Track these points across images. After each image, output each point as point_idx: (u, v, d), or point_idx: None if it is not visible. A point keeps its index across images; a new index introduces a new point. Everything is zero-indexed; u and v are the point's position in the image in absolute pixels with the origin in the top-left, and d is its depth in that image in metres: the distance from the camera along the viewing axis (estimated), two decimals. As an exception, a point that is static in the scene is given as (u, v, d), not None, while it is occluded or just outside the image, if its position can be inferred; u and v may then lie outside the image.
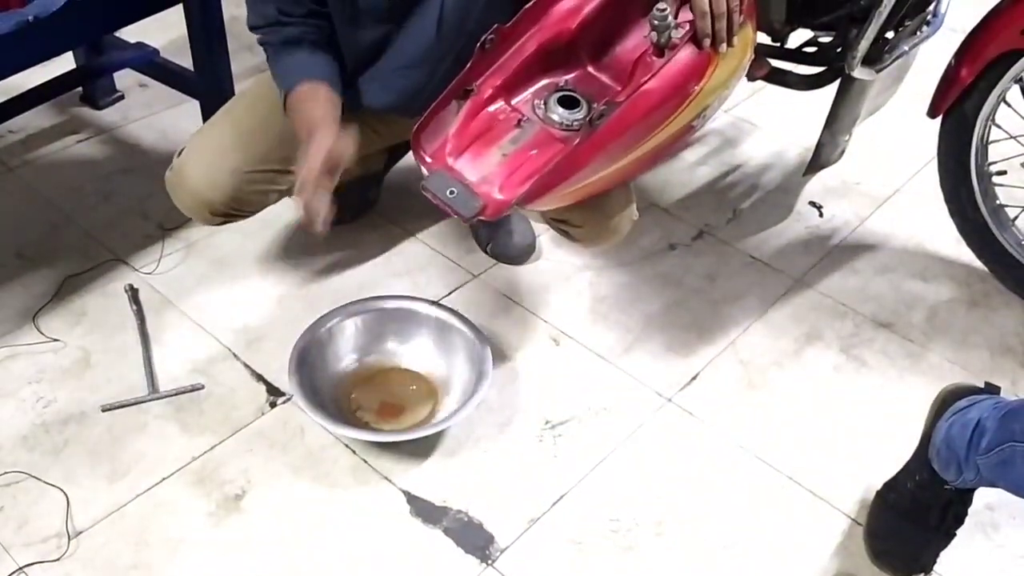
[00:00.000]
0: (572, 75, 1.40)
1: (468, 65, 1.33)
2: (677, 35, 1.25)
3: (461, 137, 1.32)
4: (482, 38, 1.31)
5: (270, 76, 1.55)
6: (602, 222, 1.54)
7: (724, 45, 1.26)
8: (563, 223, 1.58)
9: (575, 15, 1.36)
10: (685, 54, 1.25)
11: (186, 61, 1.98)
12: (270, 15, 1.48)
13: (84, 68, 2.12)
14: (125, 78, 2.31)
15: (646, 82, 1.24)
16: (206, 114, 1.96)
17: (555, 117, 1.34)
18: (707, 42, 1.25)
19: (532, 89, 1.38)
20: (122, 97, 2.31)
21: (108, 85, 2.28)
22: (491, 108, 1.35)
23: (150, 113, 2.28)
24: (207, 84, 1.94)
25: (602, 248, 1.70)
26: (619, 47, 1.41)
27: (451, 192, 1.27)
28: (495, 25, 1.32)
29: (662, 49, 1.27)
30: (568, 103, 1.35)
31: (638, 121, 1.26)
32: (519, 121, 1.34)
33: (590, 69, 1.41)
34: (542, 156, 1.31)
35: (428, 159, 1.33)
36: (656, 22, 1.24)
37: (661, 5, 1.24)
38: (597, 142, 1.25)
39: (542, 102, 1.36)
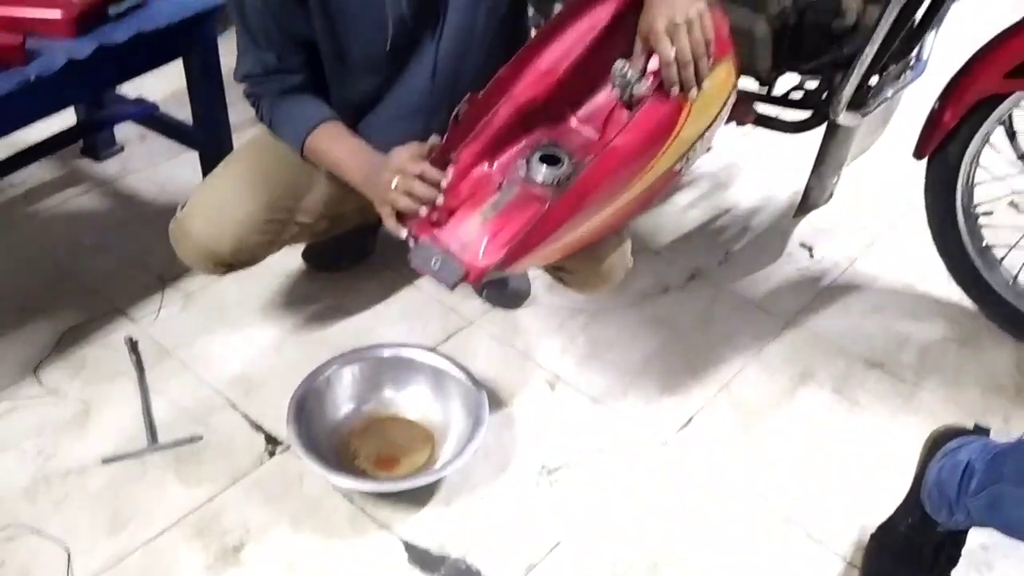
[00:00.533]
0: (555, 131, 1.41)
1: (444, 137, 1.36)
2: (641, 88, 1.26)
3: (444, 206, 1.34)
4: (455, 110, 1.34)
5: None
6: (595, 268, 1.55)
7: (694, 91, 1.26)
8: (558, 269, 1.59)
9: (550, 76, 1.37)
10: (653, 106, 1.26)
11: (185, 111, 2.02)
12: (270, 64, 1.49)
13: (85, 122, 2.16)
14: (126, 129, 2.34)
15: (614, 139, 1.25)
16: (205, 165, 2.00)
17: (538, 176, 1.35)
18: (675, 90, 1.25)
19: (514, 149, 1.39)
20: (122, 149, 2.35)
21: (108, 137, 2.32)
22: (473, 174, 1.37)
23: (150, 164, 2.31)
24: (206, 136, 1.98)
25: (597, 293, 1.72)
26: (598, 98, 1.42)
27: (435, 262, 1.30)
28: (468, 94, 1.34)
29: (630, 103, 1.28)
30: (551, 160, 1.37)
31: (609, 177, 1.27)
32: (499, 184, 1.36)
33: (571, 122, 1.43)
34: (521, 218, 1.32)
35: (413, 231, 1.35)
36: (617, 79, 1.26)
37: (620, 62, 1.25)
38: (569, 202, 1.26)
39: (525, 161, 1.37)
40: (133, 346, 1.78)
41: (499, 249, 1.31)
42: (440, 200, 1.33)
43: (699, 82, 1.26)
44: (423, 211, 1.33)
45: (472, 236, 1.33)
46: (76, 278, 1.95)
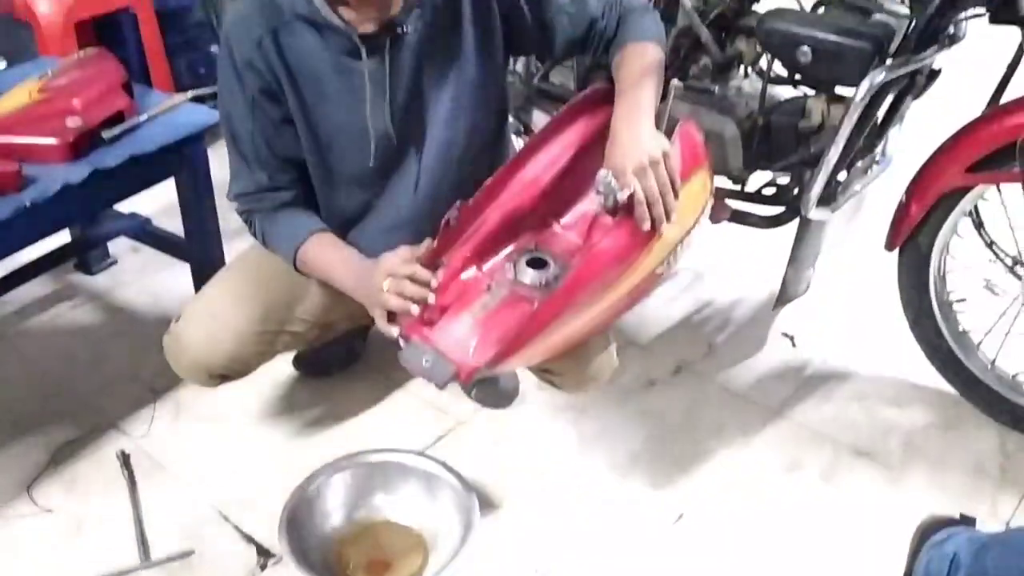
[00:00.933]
0: (541, 236, 1.47)
1: (435, 241, 1.41)
2: (624, 195, 1.31)
3: (434, 307, 1.38)
4: (446, 216, 1.39)
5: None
6: (582, 369, 1.58)
7: (664, 225, 1.32)
8: (546, 371, 1.62)
9: (536, 184, 1.44)
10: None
11: (177, 222, 2.07)
12: (262, 182, 1.54)
13: (79, 240, 2.21)
14: (118, 242, 2.39)
15: (598, 243, 1.31)
16: (197, 277, 2.04)
17: (525, 279, 1.41)
18: (646, 225, 1.31)
19: (503, 254, 1.45)
20: (115, 262, 2.40)
21: (101, 251, 2.36)
22: (463, 276, 1.42)
23: (142, 276, 2.36)
24: (198, 249, 2.03)
25: (585, 393, 1.76)
26: (582, 205, 1.49)
27: (426, 361, 1.33)
28: (458, 201, 1.40)
29: (613, 210, 1.34)
30: (538, 264, 1.42)
31: (594, 279, 1.32)
32: (489, 286, 1.41)
33: (557, 228, 1.48)
34: (510, 318, 1.37)
35: (404, 331, 1.38)
36: (601, 187, 1.31)
37: (603, 171, 1.31)
38: (556, 303, 1.31)
39: (513, 265, 1.43)
40: (125, 460, 1.79)
41: (489, 348, 1.34)
42: (431, 299, 1.36)
43: (668, 216, 1.32)
44: (414, 310, 1.36)
45: (462, 336, 1.37)
46: (69, 392, 1.98)
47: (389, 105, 1.47)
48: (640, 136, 1.33)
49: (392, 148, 1.52)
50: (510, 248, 1.46)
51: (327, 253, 1.54)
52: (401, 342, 1.38)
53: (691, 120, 1.49)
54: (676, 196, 1.32)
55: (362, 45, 1.42)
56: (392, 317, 1.39)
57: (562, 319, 1.32)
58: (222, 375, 1.62)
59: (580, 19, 1.50)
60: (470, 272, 1.43)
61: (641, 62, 1.44)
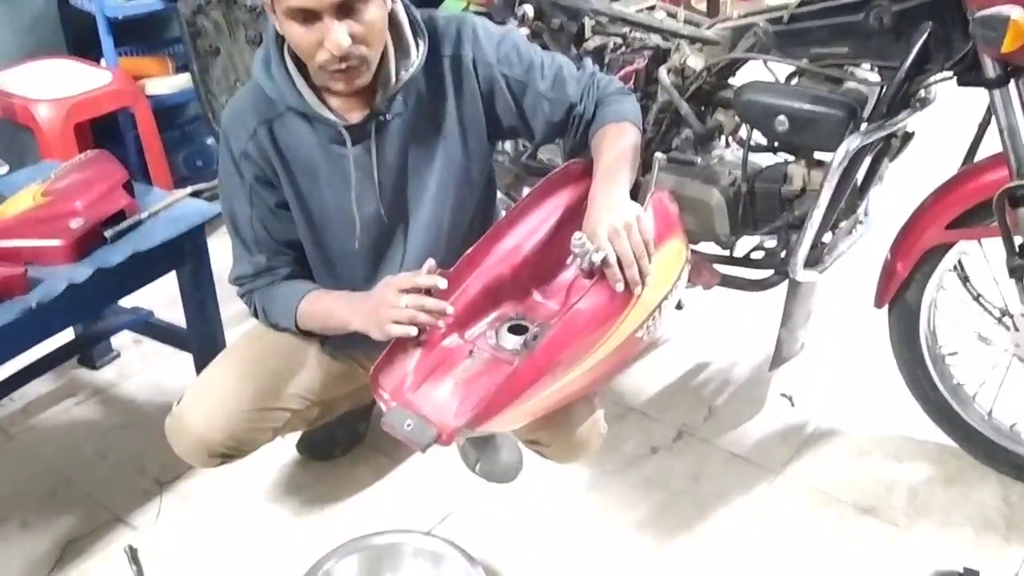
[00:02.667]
0: (523, 304, 1.51)
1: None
2: (598, 257, 1.34)
3: (417, 373, 1.41)
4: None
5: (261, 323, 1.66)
6: (568, 439, 1.60)
7: (639, 288, 1.35)
8: (534, 443, 1.64)
9: (516, 254, 1.49)
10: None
11: (178, 312, 2.09)
12: (261, 264, 1.60)
13: (83, 336, 2.24)
14: (121, 334, 2.42)
15: (576, 303, 1.35)
16: (200, 366, 2.06)
17: (506, 344, 1.44)
18: (619, 287, 1.34)
19: (484, 321, 1.49)
20: (118, 355, 2.42)
21: (104, 346, 2.39)
22: (445, 343, 1.45)
23: (145, 368, 2.38)
24: (200, 339, 2.06)
25: (576, 462, 1.76)
26: (564, 274, 1.52)
27: (408, 425, 1.35)
28: (438, 271, 1.43)
29: (590, 272, 1.37)
30: (518, 330, 1.46)
31: (572, 340, 1.34)
32: (471, 352, 1.44)
33: (536, 296, 1.53)
34: (491, 381, 1.39)
35: (387, 397, 1.41)
36: (576, 250, 1.34)
37: (578, 234, 1.34)
38: (536, 363, 1.33)
39: (494, 332, 1.46)
40: (133, 555, 1.79)
41: (469, 411, 1.36)
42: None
43: (643, 279, 1.35)
44: (412, 332, 1.39)
45: (443, 400, 1.40)
46: (76, 488, 1.99)
47: (379, 188, 1.53)
48: (613, 202, 1.39)
49: (383, 228, 1.57)
50: (492, 315, 1.49)
51: (323, 300, 1.58)
52: (383, 407, 1.40)
53: (664, 190, 1.55)
54: (650, 259, 1.35)
55: (347, 134, 1.48)
56: (389, 356, 1.42)
57: (542, 380, 1.34)
58: (223, 455, 1.63)
59: (559, 104, 1.56)
60: (452, 339, 1.46)
61: (618, 140, 1.51)
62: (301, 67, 1.46)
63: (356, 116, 1.49)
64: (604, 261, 1.33)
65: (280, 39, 1.45)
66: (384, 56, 1.45)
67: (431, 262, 1.44)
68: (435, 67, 1.52)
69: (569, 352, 1.35)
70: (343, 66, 1.38)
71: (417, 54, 1.49)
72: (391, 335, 1.42)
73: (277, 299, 1.61)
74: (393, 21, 1.47)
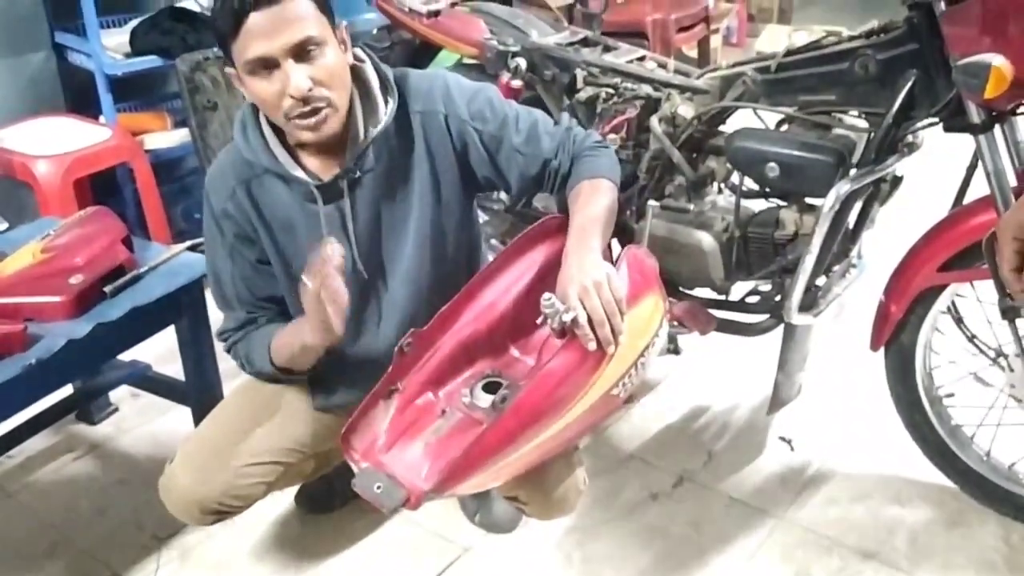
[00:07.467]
0: (499, 361, 1.51)
1: (390, 368, 1.43)
2: (568, 317, 1.29)
3: (389, 433, 1.41)
4: (399, 342, 1.43)
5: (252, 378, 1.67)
6: (547, 497, 1.59)
7: (611, 347, 1.32)
8: (514, 500, 1.64)
9: (492, 311, 1.49)
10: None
11: (176, 366, 2.09)
12: (242, 318, 1.64)
13: (81, 391, 2.24)
14: (119, 389, 2.42)
15: (547, 363, 1.33)
16: (198, 419, 2.05)
17: (480, 403, 1.44)
18: (592, 345, 1.31)
19: (459, 379, 1.48)
20: (116, 410, 2.41)
21: (102, 400, 2.39)
22: (418, 402, 1.45)
23: (143, 422, 2.38)
24: (198, 392, 2.05)
25: (555, 518, 1.74)
26: (540, 328, 1.49)
27: (377, 487, 1.34)
28: (411, 329, 1.44)
29: (562, 332, 1.34)
30: (493, 388, 1.45)
31: (543, 400, 1.32)
32: (443, 411, 1.44)
33: (514, 352, 1.53)
34: (462, 442, 1.37)
35: (357, 457, 1.40)
36: (547, 310, 1.32)
37: (547, 294, 1.31)
38: (505, 424, 1.31)
39: (469, 390, 1.46)
40: (132, 612, 1.78)
41: (439, 472, 1.35)
42: (384, 429, 1.40)
43: (615, 337, 1.32)
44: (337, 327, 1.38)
45: (414, 461, 1.39)
46: (74, 544, 1.97)
47: (355, 243, 1.55)
48: (584, 263, 1.37)
49: (362, 283, 1.58)
50: (468, 373, 1.49)
51: (286, 330, 1.57)
52: (354, 468, 1.39)
53: (641, 246, 1.54)
54: (622, 316, 1.32)
55: (318, 193, 1.51)
56: (346, 437, 1.42)
57: (513, 441, 1.32)
58: (216, 511, 1.62)
59: (534, 159, 1.57)
60: (425, 397, 1.46)
61: (592, 199, 1.50)
62: (278, 131, 1.51)
63: (330, 175, 1.52)
64: (574, 321, 1.30)
65: (255, 106, 1.50)
66: (352, 112, 1.49)
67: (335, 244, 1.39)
68: (406, 123, 1.55)
69: (539, 413, 1.32)
70: (307, 108, 1.41)
71: (386, 111, 1.51)
72: (325, 323, 1.39)
73: (255, 344, 1.63)
74: (360, 78, 1.51)
